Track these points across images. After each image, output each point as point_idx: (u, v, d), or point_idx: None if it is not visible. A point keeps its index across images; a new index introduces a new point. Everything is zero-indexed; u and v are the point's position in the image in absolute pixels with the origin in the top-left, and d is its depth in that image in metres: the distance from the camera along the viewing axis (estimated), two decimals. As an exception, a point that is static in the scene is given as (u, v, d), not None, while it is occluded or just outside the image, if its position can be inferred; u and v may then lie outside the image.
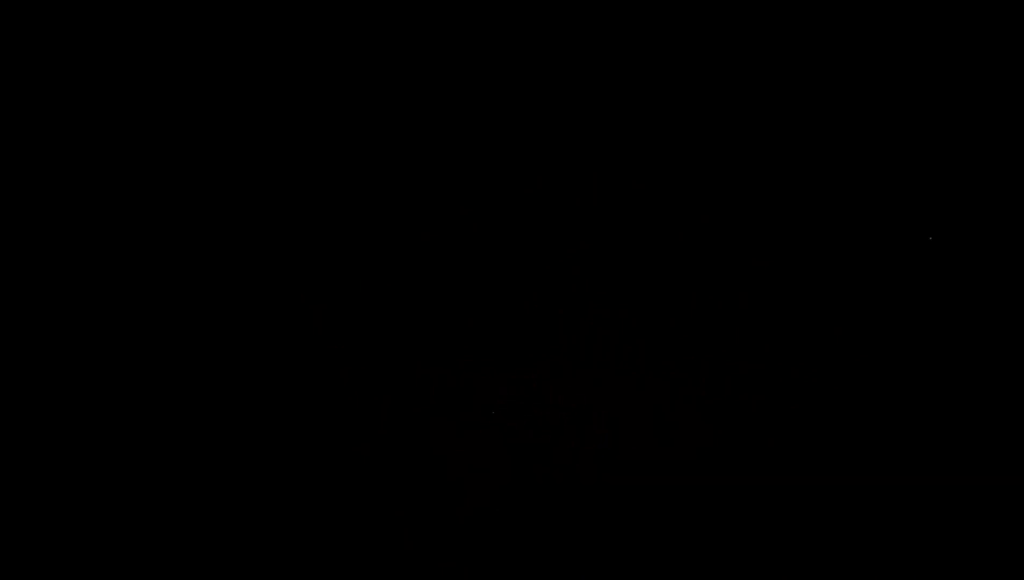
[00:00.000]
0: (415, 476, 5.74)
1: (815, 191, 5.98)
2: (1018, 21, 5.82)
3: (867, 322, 5.89)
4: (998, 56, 5.89)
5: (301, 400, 5.98)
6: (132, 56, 6.01)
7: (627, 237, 5.99)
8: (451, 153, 6.09)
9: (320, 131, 6.10)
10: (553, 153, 6.05)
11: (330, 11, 6.02)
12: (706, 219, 5.96)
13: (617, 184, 6.00)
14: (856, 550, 5.43)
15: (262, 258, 6.05)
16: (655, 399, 5.84)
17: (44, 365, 5.83)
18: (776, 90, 6.00)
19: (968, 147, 5.95)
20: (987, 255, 5.90)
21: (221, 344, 5.99)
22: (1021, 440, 5.66)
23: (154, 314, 5.96)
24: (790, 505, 5.55)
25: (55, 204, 5.95)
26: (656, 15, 5.98)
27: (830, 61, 5.98)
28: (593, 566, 5.48)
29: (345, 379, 5.92)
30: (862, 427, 5.80)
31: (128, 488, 5.67)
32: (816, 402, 5.82)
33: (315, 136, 6.10)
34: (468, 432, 5.83)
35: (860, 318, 5.89)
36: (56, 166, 5.98)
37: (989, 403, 5.74)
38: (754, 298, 5.92)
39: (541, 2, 5.99)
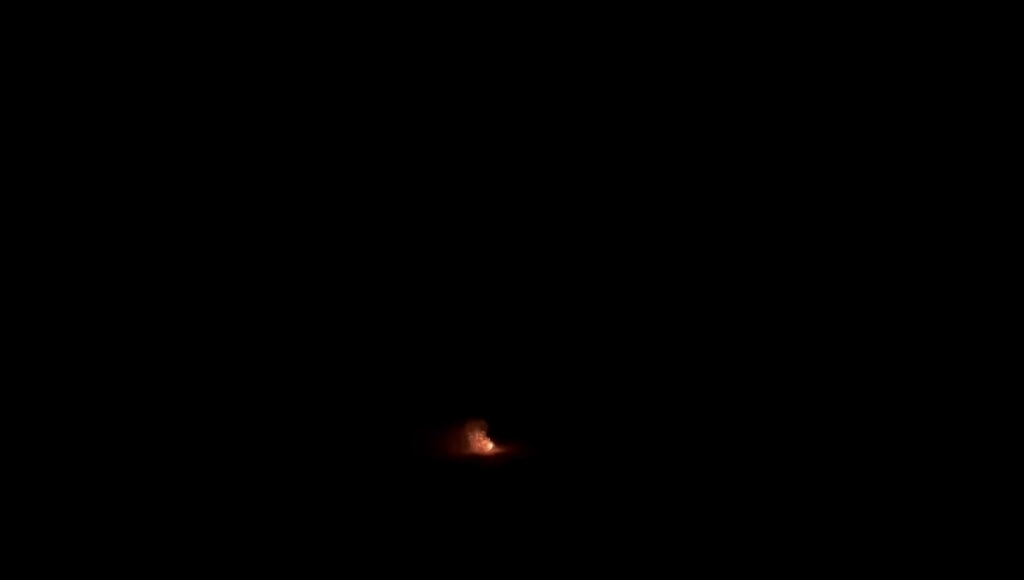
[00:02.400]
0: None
1: (814, 191, 6.00)
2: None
3: (865, 322, 5.91)
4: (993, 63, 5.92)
5: (300, 400, 6.00)
6: (132, 56, 5.98)
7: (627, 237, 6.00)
8: (451, 153, 6.08)
9: (319, 131, 6.08)
10: (553, 153, 6.04)
11: (329, 11, 6.00)
12: (706, 219, 5.97)
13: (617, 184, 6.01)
14: (856, 549, 5.41)
15: (261, 259, 6.05)
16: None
17: (44, 365, 5.82)
18: (775, 91, 6.01)
19: (964, 148, 5.97)
20: (985, 256, 5.93)
21: (220, 344, 5.99)
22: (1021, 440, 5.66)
23: (153, 314, 5.95)
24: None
25: (55, 204, 5.93)
26: (656, 15, 5.98)
27: (828, 62, 5.99)
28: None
29: (344, 379, 5.94)
30: (861, 427, 5.81)
31: (127, 488, 5.65)
32: (811, 401, 5.85)
33: (314, 136, 6.08)
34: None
35: (859, 318, 5.91)
36: (56, 166, 5.95)
37: (989, 402, 5.76)
38: (753, 298, 5.94)
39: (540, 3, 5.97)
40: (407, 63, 6.03)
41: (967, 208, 5.98)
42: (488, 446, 6.45)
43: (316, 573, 5.05)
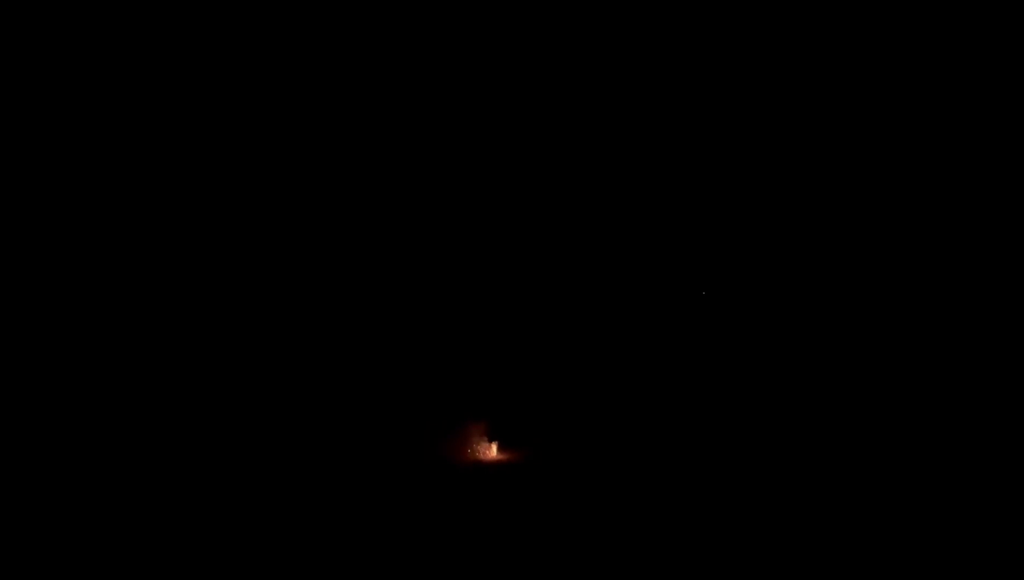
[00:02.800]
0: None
1: (813, 192, 6.00)
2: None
3: (864, 323, 5.90)
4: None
5: (304, 405, 6.03)
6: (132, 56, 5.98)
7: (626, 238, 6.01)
8: (453, 158, 6.10)
9: (321, 133, 6.09)
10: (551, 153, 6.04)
11: (329, 11, 5.99)
12: (703, 220, 5.99)
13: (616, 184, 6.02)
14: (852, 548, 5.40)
15: (259, 259, 6.08)
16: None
17: (45, 365, 5.86)
18: (775, 92, 6.01)
19: (956, 151, 5.97)
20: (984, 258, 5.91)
21: (224, 350, 6.03)
22: (1019, 441, 5.64)
23: (153, 315, 5.99)
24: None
25: (55, 204, 5.95)
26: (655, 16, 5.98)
27: (826, 65, 5.99)
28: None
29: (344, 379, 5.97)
30: (861, 426, 5.80)
31: (126, 488, 5.68)
32: (810, 404, 5.84)
33: (316, 138, 6.09)
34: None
35: (856, 318, 5.90)
36: (56, 166, 5.96)
37: (984, 402, 5.74)
38: (752, 298, 5.94)
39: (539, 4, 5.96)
40: (407, 63, 6.04)
41: (967, 208, 5.97)
42: (492, 452, 6.48)
43: (318, 575, 5.08)
